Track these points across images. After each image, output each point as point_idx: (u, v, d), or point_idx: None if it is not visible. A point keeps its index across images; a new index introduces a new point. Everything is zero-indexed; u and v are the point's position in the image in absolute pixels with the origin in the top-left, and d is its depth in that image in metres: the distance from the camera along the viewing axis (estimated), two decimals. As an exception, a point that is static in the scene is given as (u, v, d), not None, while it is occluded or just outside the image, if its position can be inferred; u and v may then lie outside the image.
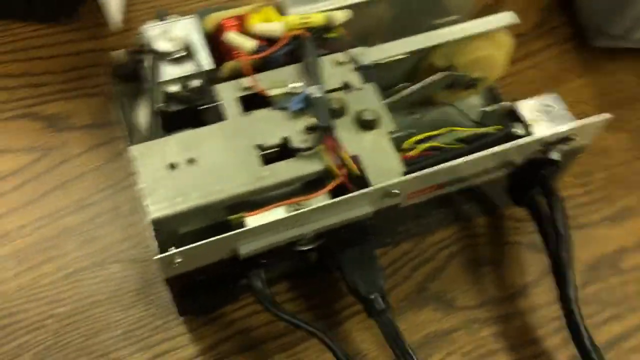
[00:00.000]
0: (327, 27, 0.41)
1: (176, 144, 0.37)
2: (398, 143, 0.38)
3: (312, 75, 0.39)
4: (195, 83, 0.39)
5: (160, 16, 0.41)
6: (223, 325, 0.42)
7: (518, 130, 0.40)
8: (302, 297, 0.43)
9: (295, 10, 0.41)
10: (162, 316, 0.42)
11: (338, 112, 0.38)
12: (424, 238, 0.45)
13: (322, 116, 0.37)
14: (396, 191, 0.36)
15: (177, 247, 0.33)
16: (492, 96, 0.46)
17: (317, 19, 0.41)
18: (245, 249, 0.35)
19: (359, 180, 0.37)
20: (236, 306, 0.42)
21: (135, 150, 0.37)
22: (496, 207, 0.46)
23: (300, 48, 0.40)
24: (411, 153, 0.38)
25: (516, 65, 0.50)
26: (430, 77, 0.42)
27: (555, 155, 0.39)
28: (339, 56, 0.40)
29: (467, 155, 0.37)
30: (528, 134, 0.39)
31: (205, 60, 0.39)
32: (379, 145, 0.38)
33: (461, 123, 0.43)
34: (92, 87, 0.50)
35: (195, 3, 0.55)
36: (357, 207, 0.36)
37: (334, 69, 0.40)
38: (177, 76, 0.39)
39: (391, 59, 0.41)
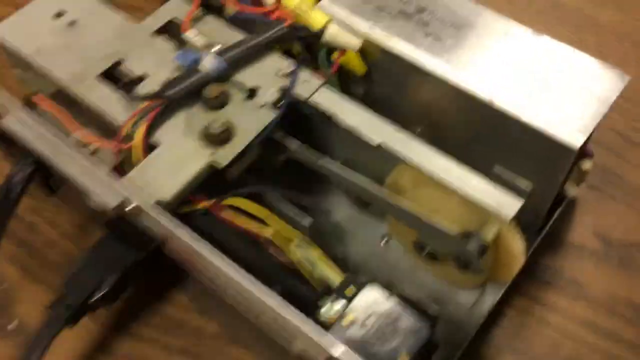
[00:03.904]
0: (317, 36, 0.31)
1: (81, 3, 0.33)
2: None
3: (233, 51, 0.30)
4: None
5: None
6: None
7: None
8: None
9: (329, 7, 0.32)
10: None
11: (209, 102, 0.30)
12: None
13: (175, 87, 0.29)
14: (129, 208, 0.27)
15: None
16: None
17: (315, 20, 0.31)
18: (6, 123, 0.31)
19: (127, 168, 0.28)
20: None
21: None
22: None
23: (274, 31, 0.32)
24: (203, 205, 0.28)
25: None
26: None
27: None
28: (288, 66, 0.31)
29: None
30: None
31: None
32: (190, 160, 0.28)
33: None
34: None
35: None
36: (105, 192, 0.28)
37: (266, 70, 0.31)
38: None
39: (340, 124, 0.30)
